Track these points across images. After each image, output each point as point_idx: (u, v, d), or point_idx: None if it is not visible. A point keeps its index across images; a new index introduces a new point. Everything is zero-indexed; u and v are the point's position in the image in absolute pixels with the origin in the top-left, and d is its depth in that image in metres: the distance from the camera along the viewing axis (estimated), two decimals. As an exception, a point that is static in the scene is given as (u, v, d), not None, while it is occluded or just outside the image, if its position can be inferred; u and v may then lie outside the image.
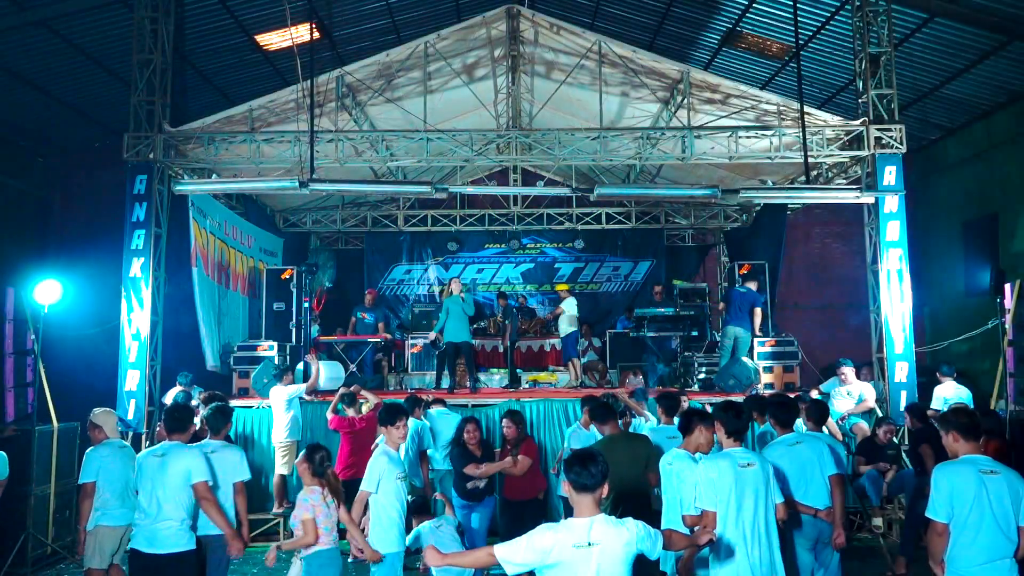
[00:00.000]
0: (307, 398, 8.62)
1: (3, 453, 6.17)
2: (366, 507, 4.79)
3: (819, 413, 5.65)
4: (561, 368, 11.15)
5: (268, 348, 9.81)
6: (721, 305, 10.16)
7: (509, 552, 3.04)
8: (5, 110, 11.28)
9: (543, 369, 11.41)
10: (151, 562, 4.47)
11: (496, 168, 13.29)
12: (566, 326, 10.42)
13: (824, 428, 5.70)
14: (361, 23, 11.50)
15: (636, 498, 4.78)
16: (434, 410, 7.98)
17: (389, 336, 11.47)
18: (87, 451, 5.35)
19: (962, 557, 3.86)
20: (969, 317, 11.37)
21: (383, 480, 4.69)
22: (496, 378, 10.97)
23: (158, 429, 5.54)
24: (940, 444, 4.87)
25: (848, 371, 8.54)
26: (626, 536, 3.04)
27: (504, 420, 6.46)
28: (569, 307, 10.47)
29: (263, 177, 9.45)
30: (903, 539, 7.20)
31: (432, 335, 10.32)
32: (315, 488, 4.58)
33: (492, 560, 3.09)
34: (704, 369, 10.14)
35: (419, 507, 6.16)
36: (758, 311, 9.74)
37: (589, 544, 2.97)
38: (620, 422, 6.02)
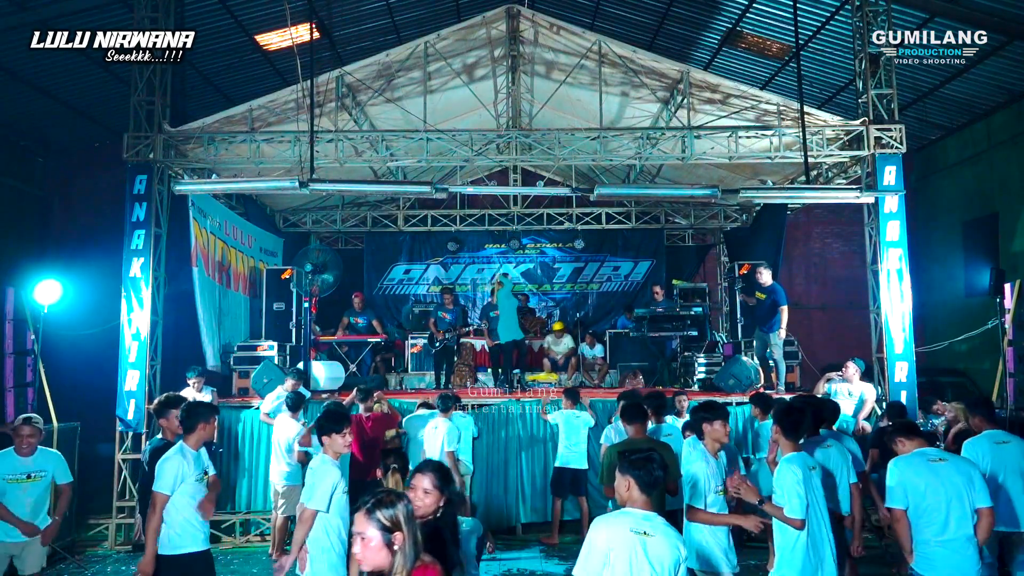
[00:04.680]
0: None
1: None
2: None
3: (831, 413, 5.70)
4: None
5: (268, 348, 9.79)
6: (785, 308, 9.49)
7: (587, 566, 3.13)
8: (5, 110, 11.30)
9: (542, 369, 11.39)
10: (162, 563, 4.50)
11: (496, 168, 13.28)
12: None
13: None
14: (361, 23, 11.52)
15: None
16: (421, 413, 7.99)
17: (387, 336, 11.46)
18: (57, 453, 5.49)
19: (925, 537, 4.21)
20: (969, 317, 11.39)
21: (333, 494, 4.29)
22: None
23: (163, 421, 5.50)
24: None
25: (853, 369, 8.48)
26: (683, 549, 3.14)
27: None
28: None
29: (263, 177, 9.45)
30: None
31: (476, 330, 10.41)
32: None
33: None
34: (704, 369, 10.13)
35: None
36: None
37: (645, 533, 3.09)
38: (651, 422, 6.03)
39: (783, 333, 9.38)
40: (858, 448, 5.05)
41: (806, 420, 4.52)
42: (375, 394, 8.12)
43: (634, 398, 6.39)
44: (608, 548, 3.09)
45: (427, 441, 7.57)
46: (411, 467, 4.61)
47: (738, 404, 8.76)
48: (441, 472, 3.39)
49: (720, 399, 8.69)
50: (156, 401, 5.85)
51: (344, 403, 7.92)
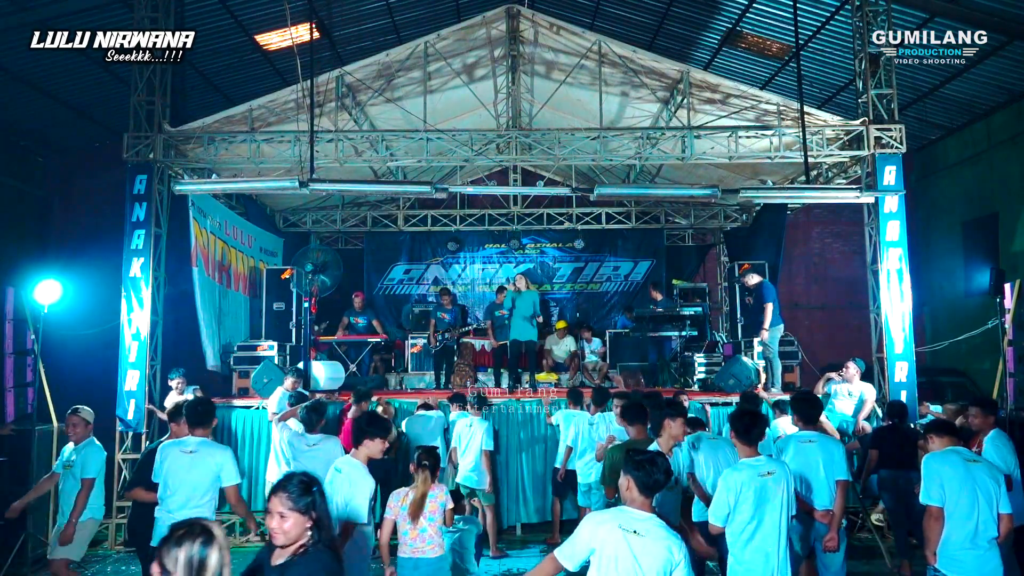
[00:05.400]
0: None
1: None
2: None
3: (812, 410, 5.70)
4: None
5: (268, 348, 9.80)
6: (770, 306, 9.33)
7: (566, 551, 3.16)
8: (5, 110, 11.30)
9: (542, 369, 11.39)
10: None
11: (496, 168, 13.28)
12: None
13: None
14: (361, 23, 11.51)
15: None
16: (419, 413, 7.97)
17: (387, 336, 11.46)
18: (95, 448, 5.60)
19: (954, 538, 4.14)
20: (969, 317, 11.39)
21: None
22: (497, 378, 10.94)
23: (174, 425, 5.55)
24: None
25: (853, 369, 8.47)
26: (677, 553, 3.08)
27: None
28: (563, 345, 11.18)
29: (263, 177, 9.45)
30: (896, 541, 7.20)
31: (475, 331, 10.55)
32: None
33: (556, 566, 3.17)
34: (704, 369, 10.13)
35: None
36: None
37: (635, 532, 3.07)
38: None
39: (766, 334, 9.21)
40: (843, 452, 5.03)
41: (760, 424, 4.39)
42: (379, 400, 8.11)
43: (633, 398, 6.40)
44: (592, 541, 3.10)
45: (462, 440, 7.56)
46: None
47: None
48: (301, 488, 2.78)
49: (720, 399, 8.79)
50: (173, 405, 5.94)
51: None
